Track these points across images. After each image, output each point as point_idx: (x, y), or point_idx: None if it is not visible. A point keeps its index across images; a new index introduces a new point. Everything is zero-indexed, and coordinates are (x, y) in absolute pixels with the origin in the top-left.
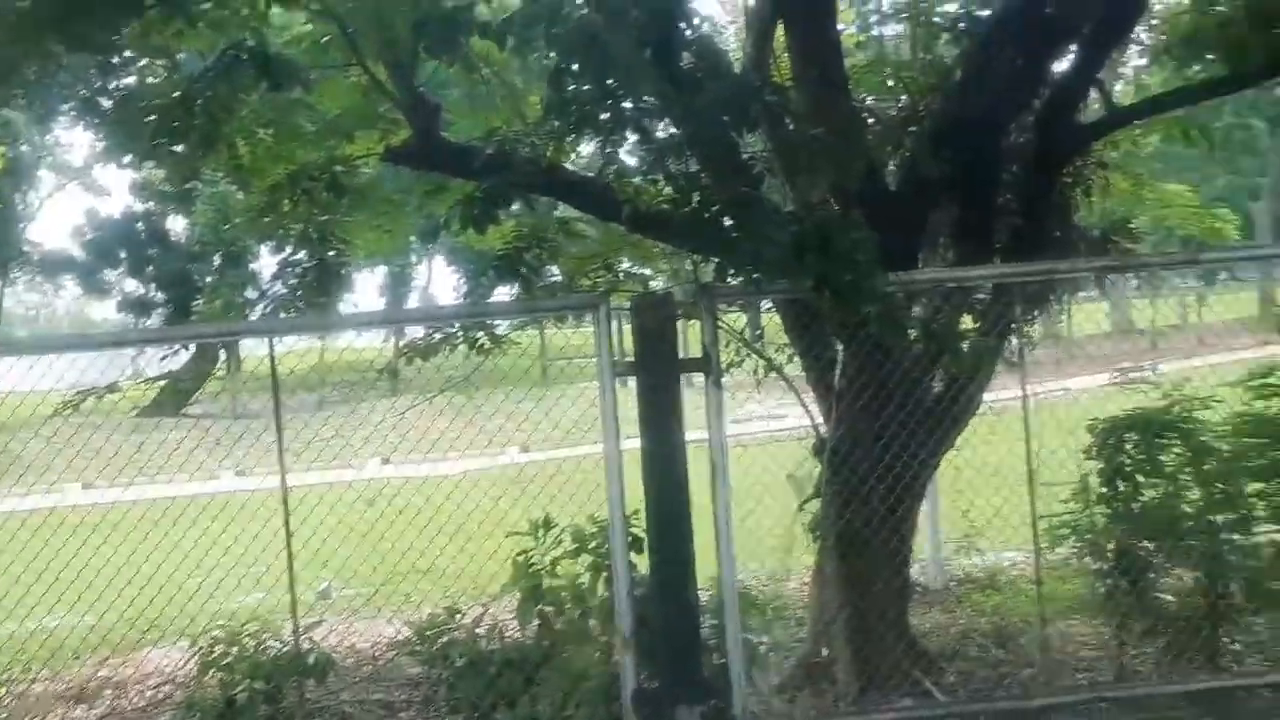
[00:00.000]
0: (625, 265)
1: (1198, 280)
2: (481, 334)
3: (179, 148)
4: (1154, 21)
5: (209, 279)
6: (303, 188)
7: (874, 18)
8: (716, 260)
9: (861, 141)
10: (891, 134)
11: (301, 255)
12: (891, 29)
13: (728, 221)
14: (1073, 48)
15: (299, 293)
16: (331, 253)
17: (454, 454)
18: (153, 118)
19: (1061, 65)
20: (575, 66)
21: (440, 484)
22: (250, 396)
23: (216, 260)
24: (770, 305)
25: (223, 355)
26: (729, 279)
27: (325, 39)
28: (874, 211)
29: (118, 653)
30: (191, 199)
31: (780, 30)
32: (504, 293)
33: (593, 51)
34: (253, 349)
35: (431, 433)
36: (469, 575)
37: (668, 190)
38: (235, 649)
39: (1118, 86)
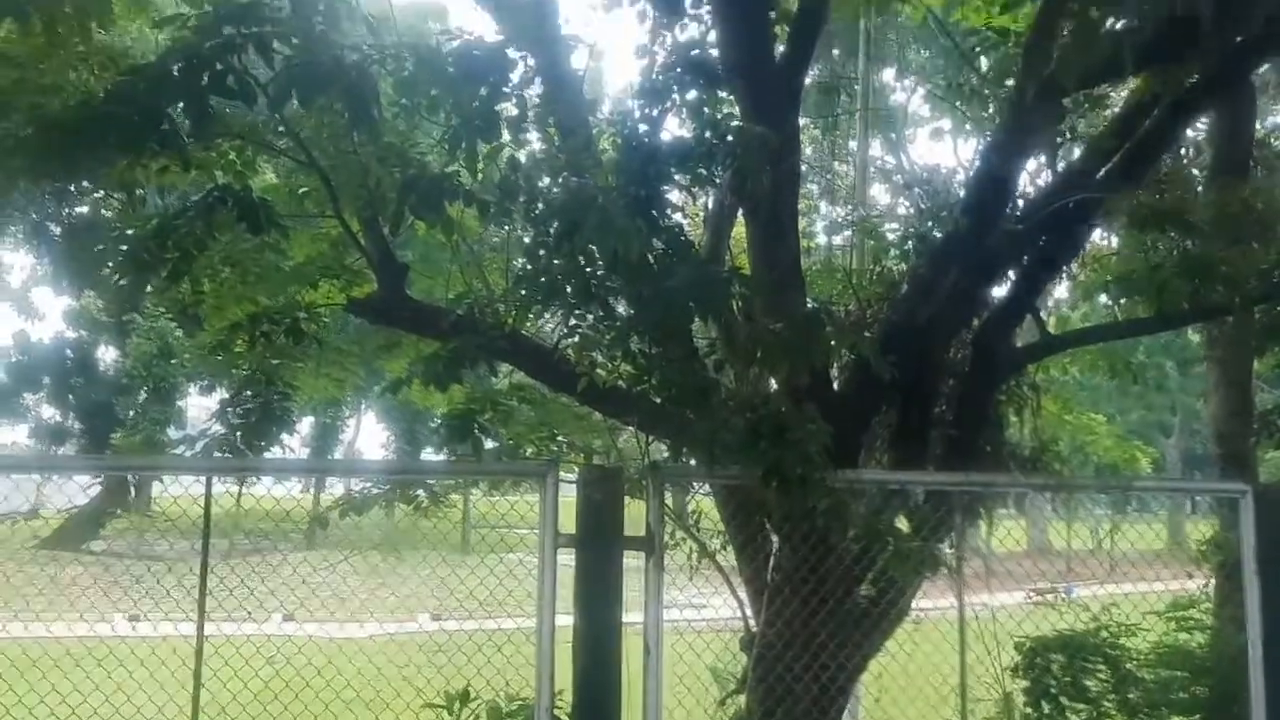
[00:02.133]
0: (568, 436)
1: (1109, 508)
2: (420, 492)
3: (147, 280)
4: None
5: (130, 413)
6: (262, 330)
7: (825, 226)
8: (667, 440)
9: (819, 338)
10: (843, 335)
11: (245, 395)
12: (840, 239)
13: (683, 403)
14: (1011, 275)
15: (239, 433)
16: (276, 396)
17: (365, 616)
18: (122, 248)
19: (1000, 290)
20: (553, 237)
21: (348, 646)
22: (158, 536)
23: (142, 394)
24: (707, 490)
25: (132, 492)
26: (681, 459)
27: (302, 189)
28: (821, 408)
29: None
30: (128, 331)
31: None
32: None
33: (572, 224)
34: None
35: (342, 590)
36: None
37: (624, 367)
38: None
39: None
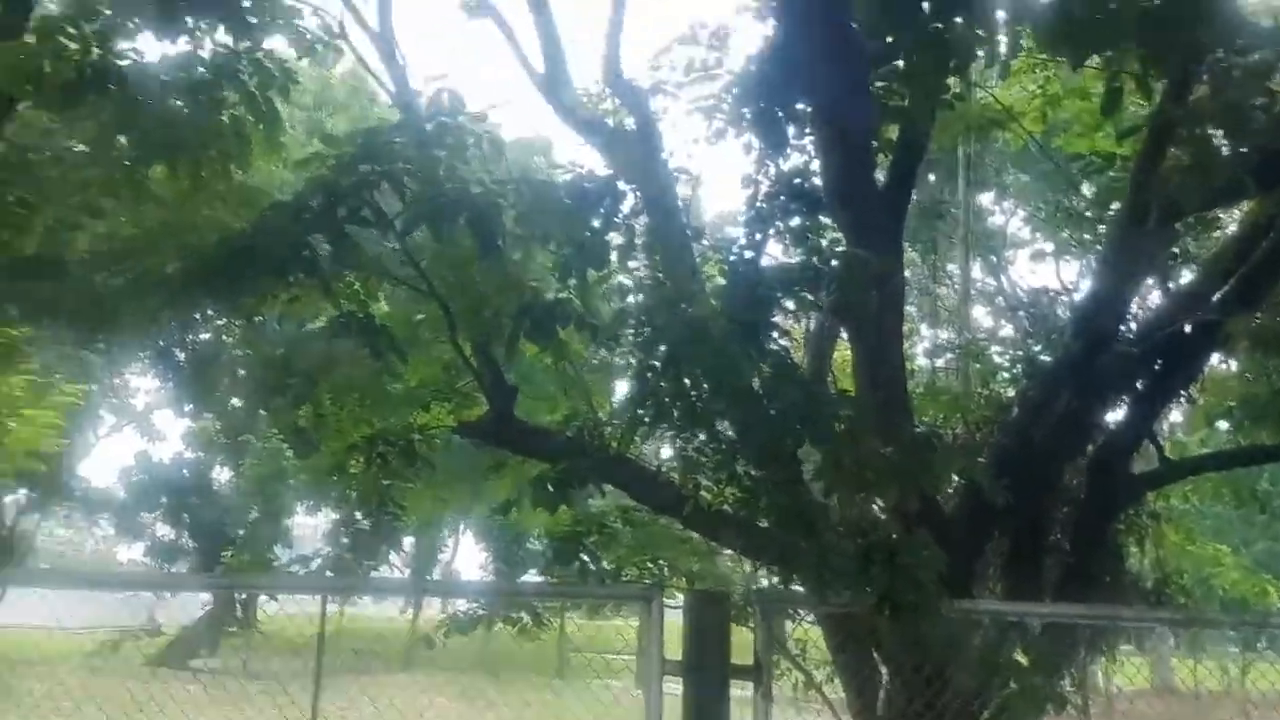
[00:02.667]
0: (669, 560)
1: (1239, 645)
2: (523, 614)
3: (269, 403)
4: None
5: (240, 531)
6: (379, 451)
7: (928, 349)
8: (774, 566)
9: (930, 462)
10: (955, 459)
11: (357, 516)
12: (944, 361)
13: (790, 528)
14: (1126, 399)
15: (351, 553)
16: (387, 516)
17: None
18: (240, 373)
19: (1116, 414)
20: (660, 362)
21: None
22: (265, 654)
23: (253, 514)
24: (813, 619)
25: (239, 610)
26: (790, 585)
27: (419, 316)
28: (933, 534)
29: None
30: (242, 452)
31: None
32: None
33: (680, 350)
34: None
35: (446, 713)
36: None
37: (730, 490)
38: None
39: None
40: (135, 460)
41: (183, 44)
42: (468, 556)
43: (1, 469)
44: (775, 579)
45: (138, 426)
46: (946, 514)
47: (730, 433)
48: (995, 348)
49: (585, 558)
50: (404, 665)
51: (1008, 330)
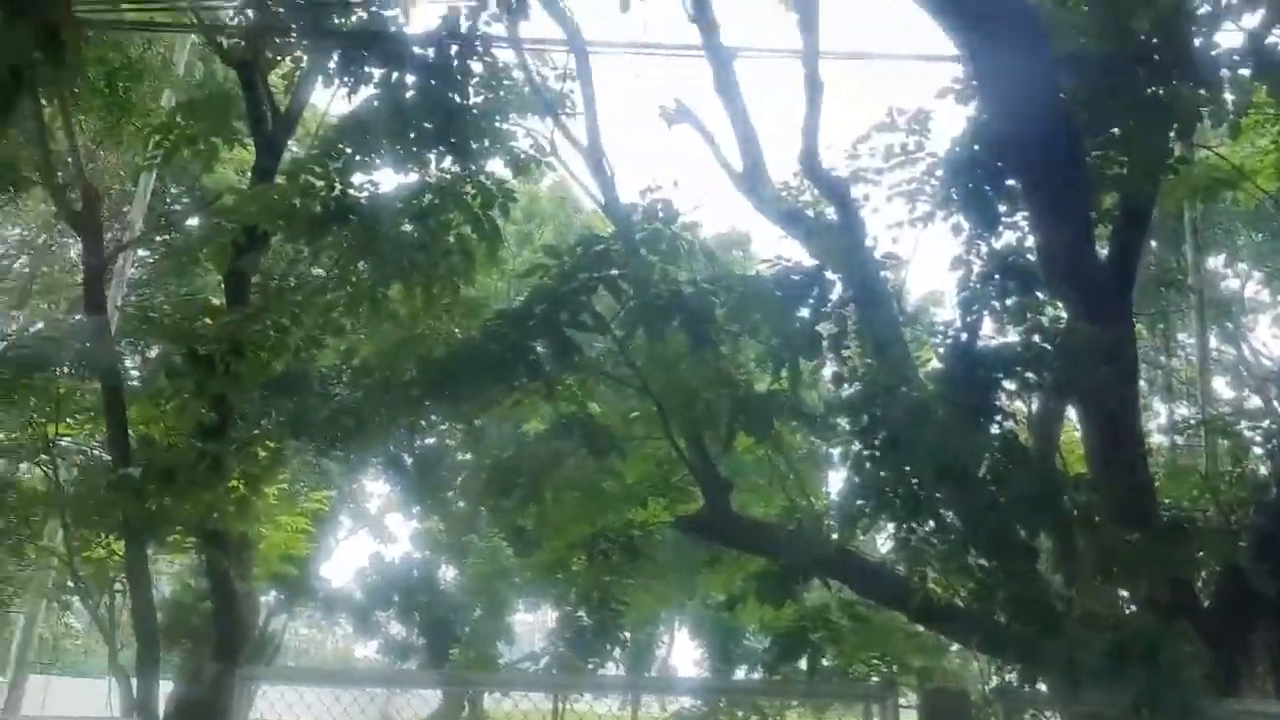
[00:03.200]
0: (897, 657)
1: None
2: (751, 715)
3: (501, 503)
4: None
5: (466, 629)
6: (601, 548)
7: (1164, 425)
8: (1014, 663)
9: (1184, 549)
10: (1214, 544)
11: (580, 613)
12: (1183, 438)
13: (1031, 622)
14: None
15: (574, 650)
16: (609, 613)
17: None
18: (475, 476)
19: None
20: (879, 451)
21: None
22: None
23: (477, 611)
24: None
25: (467, 707)
26: (1034, 684)
27: (633, 414)
28: (1192, 627)
29: None
30: (465, 551)
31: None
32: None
33: (900, 436)
34: (504, 701)
35: None
36: None
37: (961, 583)
38: None
39: None
40: (369, 561)
41: (411, 174)
42: (681, 653)
43: (257, 573)
44: (1014, 677)
45: (371, 529)
46: (1203, 605)
47: (957, 522)
48: (1243, 421)
49: (811, 652)
50: None
51: (1254, 401)
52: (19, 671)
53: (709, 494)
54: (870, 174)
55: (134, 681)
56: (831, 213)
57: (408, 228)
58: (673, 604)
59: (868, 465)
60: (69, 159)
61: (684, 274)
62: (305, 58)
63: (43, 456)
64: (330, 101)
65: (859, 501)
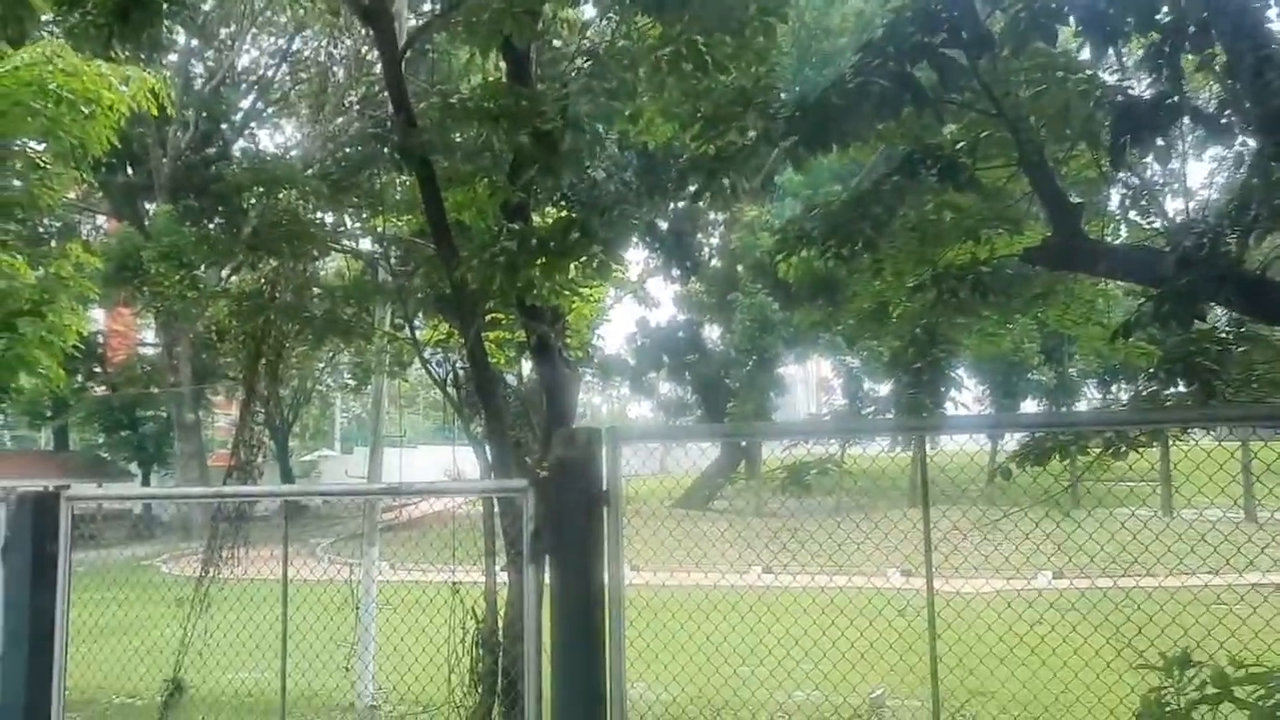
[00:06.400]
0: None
1: None
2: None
3: (844, 251)
4: None
5: (738, 384)
6: (948, 287)
7: None
8: None
9: None
10: None
11: (908, 357)
12: None
13: None
14: None
15: (913, 392)
16: (941, 354)
17: (970, 571)
18: (817, 226)
19: None
20: None
21: (956, 602)
22: (770, 495)
23: (748, 366)
24: None
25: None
26: None
27: (984, 134)
28: None
29: None
30: (731, 310)
31: None
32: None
33: None
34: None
35: (944, 547)
36: (1040, 704)
37: None
38: None
39: None
40: (636, 327)
41: None
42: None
43: (570, 342)
44: None
45: (635, 296)
46: None
47: None
48: None
49: (1207, 373)
50: (909, 502)
51: None
52: (377, 442)
53: (1059, 220)
54: None
55: (486, 447)
56: None
57: None
58: (1009, 341)
59: (1272, 163)
60: None
61: None
62: None
63: (376, 248)
64: None
65: (1252, 210)
